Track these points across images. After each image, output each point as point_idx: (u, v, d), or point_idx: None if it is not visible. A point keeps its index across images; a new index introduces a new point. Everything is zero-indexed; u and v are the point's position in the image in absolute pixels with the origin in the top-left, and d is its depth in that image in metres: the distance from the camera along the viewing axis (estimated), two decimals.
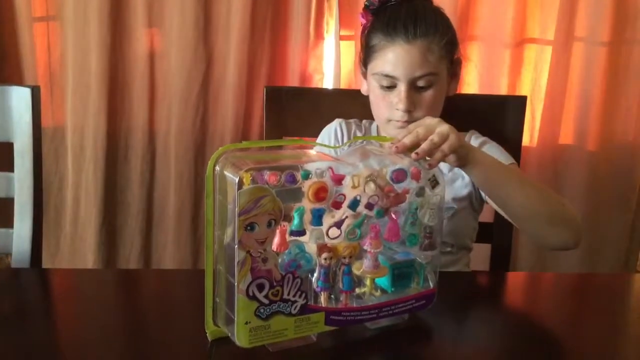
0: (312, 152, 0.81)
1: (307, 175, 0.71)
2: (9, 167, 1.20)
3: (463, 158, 0.94)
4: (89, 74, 1.75)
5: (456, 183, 1.23)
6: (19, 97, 1.19)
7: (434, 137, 0.87)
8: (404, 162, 0.80)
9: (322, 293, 0.74)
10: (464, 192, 1.23)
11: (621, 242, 1.95)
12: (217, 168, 0.71)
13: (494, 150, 1.22)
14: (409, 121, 1.15)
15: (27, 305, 0.94)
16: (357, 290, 0.78)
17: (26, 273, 1.14)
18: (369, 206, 0.75)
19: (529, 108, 1.78)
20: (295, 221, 0.70)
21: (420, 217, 0.80)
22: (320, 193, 0.71)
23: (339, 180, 0.73)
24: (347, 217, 0.75)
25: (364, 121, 1.33)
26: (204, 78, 1.79)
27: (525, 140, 1.68)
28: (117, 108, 1.80)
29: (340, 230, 0.74)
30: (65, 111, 1.81)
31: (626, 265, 1.97)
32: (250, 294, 0.68)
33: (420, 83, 1.14)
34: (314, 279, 0.73)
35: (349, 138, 1.28)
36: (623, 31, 1.80)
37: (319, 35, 1.80)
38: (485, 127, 1.30)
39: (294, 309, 0.71)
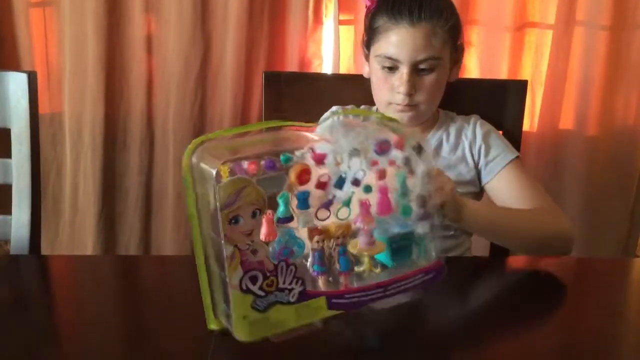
0: (290, 133, 0.78)
1: (287, 160, 0.68)
2: (7, 153, 1.19)
3: (456, 214, 0.96)
4: (86, 60, 1.74)
5: (460, 167, 1.23)
6: (16, 83, 1.18)
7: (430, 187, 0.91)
8: (386, 133, 0.77)
9: (319, 277, 0.73)
10: (468, 176, 1.23)
11: (621, 227, 1.95)
12: (194, 160, 0.69)
13: (497, 142, 1.24)
14: (410, 105, 1.17)
15: (26, 292, 0.94)
16: (356, 269, 0.76)
17: (25, 260, 1.14)
18: (356, 182, 0.73)
19: (529, 93, 1.77)
20: (281, 208, 0.68)
21: (411, 187, 0.78)
22: (303, 175, 0.69)
23: (320, 159, 0.70)
24: (334, 196, 0.73)
25: (362, 107, 1.32)
26: (201, 63, 1.77)
27: (525, 126, 1.67)
28: (114, 94, 1.79)
29: (329, 211, 0.72)
30: (63, 97, 1.79)
31: (626, 250, 1.97)
32: (244, 287, 0.67)
33: (423, 66, 1.15)
34: (309, 264, 0.72)
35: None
36: (624, 16, 1.79)
37: (318, 19, 1.79)
38: (486, 111, 1.30)
39: (292, 296, 0.70)
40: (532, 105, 1.85)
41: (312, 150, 0.70)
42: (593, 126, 1.86)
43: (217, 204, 0.64)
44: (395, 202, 0.77)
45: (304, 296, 0.71)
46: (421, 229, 0.80)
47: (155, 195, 1.87)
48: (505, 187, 1.21)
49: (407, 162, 0.77)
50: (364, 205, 0.74)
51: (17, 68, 1.74)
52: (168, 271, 1.06)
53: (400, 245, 0.79)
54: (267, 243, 0.68)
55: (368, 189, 0.74)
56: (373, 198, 0.75)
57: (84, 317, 0.86)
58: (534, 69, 1.84)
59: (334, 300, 0.73)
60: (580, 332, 0.86)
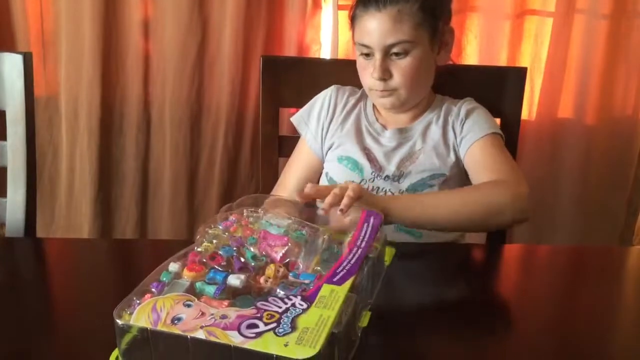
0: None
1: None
2: (2, 135, 1.19)
3: (374, 205, 0.95)
4: (83, 42, 1.73)
5: (446, 148, 1.23)
6: (11, 64, 1.18)
7: (336, 190, 0.91)
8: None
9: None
10: (454, 157, 1.22)
11: (617, 216, 1.95)
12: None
13: (477, 118, 1.23)
14: (386, 89, 1.19)
15: (21, 275, 0.93)
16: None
17: (20, 242, 1.14)
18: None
19: (529, 81, 1.76)
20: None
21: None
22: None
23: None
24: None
25: (362, 89, 1.32)
26: (199, 48, 1.76)
27: (524, 114, 1.67)
28: (111, 77, 1.78)
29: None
30: (59, 80, 1.78)
31: (622, 239, 1.97)
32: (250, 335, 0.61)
33: (395, 51, 1.16)
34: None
35: (337, 105, 1.30)
36: (624, 4, 1.78)
37: (317, 4, 1.77)
38: (485, 98, 1.29)
39: (300, 306, 0.65)
40: (531, 93, 1.84)
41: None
42: (592, 115, 1.86)
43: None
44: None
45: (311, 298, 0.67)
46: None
47: (151, 180, 1.86)
48: (474, 160, 1.20)
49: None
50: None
51: (12, 49, 1.72)
52: (165, 255, 1.05)
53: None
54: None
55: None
56: None
57: (79, 300, 0.85)
58: (534, 56, 1.83)
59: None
60: (574, 320, 0.86)
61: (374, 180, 1.21)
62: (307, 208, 0.92)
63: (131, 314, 0.63)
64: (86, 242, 1.34)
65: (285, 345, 0.58)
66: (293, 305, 0.64)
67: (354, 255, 0.73)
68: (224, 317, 0.62)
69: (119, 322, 0.62)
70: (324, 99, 1.31)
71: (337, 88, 1.32)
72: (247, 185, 1.85)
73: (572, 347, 0.79)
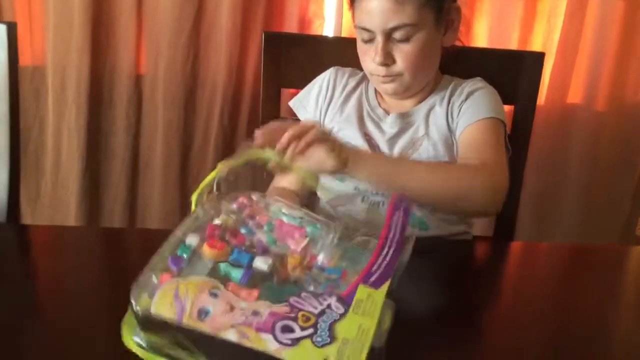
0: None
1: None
2: None
3: (339, 153, 0.88)
4: (71, 10, 1.63)
5: (449, 132, 1.16)
6: None
7: (297, 129, 0.84)
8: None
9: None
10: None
11: (623, 204, 1.91)
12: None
13: (480, 99, 1.14)
14: (389, 75, 1.11)
15: (4, 263, 0.87)
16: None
17: (2, 229, 1.07)
18: None
19: None
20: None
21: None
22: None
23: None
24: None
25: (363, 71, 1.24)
26: (195, 18, 1.67)
27: None
28: (101, 47, 1.69)
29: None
30: (46, 49, 1.68)
31: (627, 227, 1.94)
32: (286, 341, 0.55)
33: (397, 35, 1.08)
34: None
35: (336, 88, 1.23)
36: None
37: None
38: (498, 84, 1.21)
39: (337, 310, 0.59)
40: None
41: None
42: (602, 101, 1.80)
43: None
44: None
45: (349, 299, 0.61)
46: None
47: (142, 157, 1.78)
48: (462, 143, 1.12)
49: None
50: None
51: None
52: (155, 246, 0.99)
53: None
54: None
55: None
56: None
57: (65, 290, 0.80)
58: (545, 39, 1.76)
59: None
60: (574, 319, 0.83)
61: (372, 194, 1.14)
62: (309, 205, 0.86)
63: (150, 296, 0.56)
64: (73, 231, 1.26)
65: None
66: (329, 307, 0.58)
67: (387, 252, 0.66)
68: (255, 313, 0.56)
69: (139, 309, 0.55)
70: (322, 81, 1.24)
71: (336, 69, 1.25)
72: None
73: (576, 346, 0.75)
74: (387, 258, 0.65)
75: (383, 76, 1.11)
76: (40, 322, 0.72)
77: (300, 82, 1.27)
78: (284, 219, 0.72)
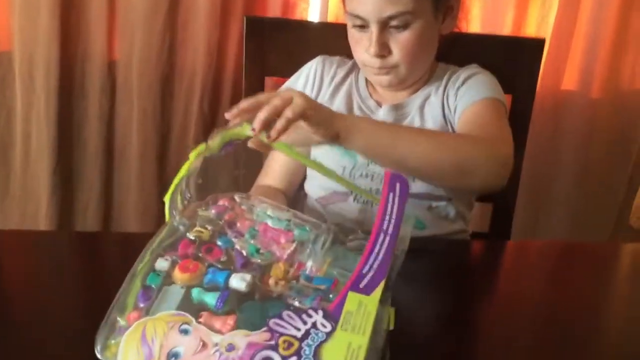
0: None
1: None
2: None
3: (327, 126, 0.79)
4: None
5: (446, 121, 1.09)
6: None
7: (275, 101, 0.73)
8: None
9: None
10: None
11: (617, 193, 1.87)
12: None
13: (477, 82, 1.07)
14: (384, 67, 1.02)
15: None
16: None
17: None
18: None
19: None
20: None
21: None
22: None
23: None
24: None
25: (353, 59, 1.16)
26: (171, 1, 1.57)
27: None
28: (71, 32, 1.58)
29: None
30: (12, 35, 1.58)
31: (620, 218, 1.89)
32: None
33: (394, 23, 1.00)
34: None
35: (324, 79, 1.14)
36: None
37: None
38: (496, 72, 1.14)
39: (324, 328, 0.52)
40: None
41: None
42: (597, 88, 1.74)
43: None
44: None
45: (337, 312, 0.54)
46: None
47: (117, 149, 1.69)
48: (461, 122, 1.04)
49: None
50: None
51: None
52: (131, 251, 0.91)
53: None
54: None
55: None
56: None
57: (37, 302, 0.74)
58: (540, 23, 1.69)
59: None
60: (563, 315, 0.81)
61: (368, 165, 1.06)
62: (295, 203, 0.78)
63: (117, 343, 0.50)
64: (44, 235, 1.18)
65: None
66: (314, 326, 0.51)
67: (381, 247, 0.57)
68: (230, 348, 0.49)
69: (104, 359, 0.50)
70: (308, 71, 1.16)
71: (323, 59, 1.16)
72: None
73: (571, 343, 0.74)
74: (381, 254, 0.57)
75: (378, 68, 1.03)
76: (10, 331, 0.67)
77: (285, 69, 1.19)
78: (269, 222, 0.65)
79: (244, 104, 0.74)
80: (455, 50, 1.13)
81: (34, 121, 1.64)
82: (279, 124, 0.72)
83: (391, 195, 0.60)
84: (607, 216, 1.88)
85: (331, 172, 0.74)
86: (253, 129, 0.70)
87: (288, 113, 0.72)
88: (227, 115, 0.74)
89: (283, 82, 1.19)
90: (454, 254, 0.99)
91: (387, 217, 0.59)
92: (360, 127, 0.83)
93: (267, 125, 0.71)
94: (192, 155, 0.67)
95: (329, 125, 0.79)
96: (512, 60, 1.20)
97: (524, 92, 1.20)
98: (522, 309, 0.82)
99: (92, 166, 1.69)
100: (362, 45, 1.03)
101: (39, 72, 1.59)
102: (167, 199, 0.65)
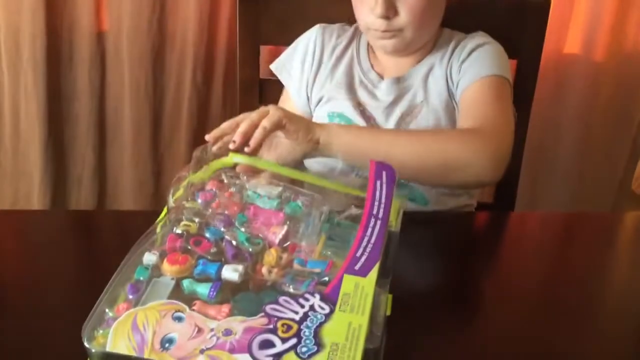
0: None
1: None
2: None
3: (306, 134, 0.82)
4: None
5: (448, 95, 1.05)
6: None
7: (252, 115, 0.78)
8: None
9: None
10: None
11: (619, 159, 1.83)
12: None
13: (483, 56, 1.03)
14: (389, 30, 0.98)
15: None
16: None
17: None
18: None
19: None
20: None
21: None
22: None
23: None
24: None
25: (354, 26, 1.11)
26: None
27: None
28: (57, 2, 1.53)
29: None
30: None
31: (622, 183, 1.86)
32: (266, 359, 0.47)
33: None
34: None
35: (324, 50, 1.09)
36: None
37: None
38: (500, 37, 1.09)
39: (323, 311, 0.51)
40: None
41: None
42: (601, 51, 1.69)
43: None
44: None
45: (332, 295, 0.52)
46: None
47: (109, 122, 1.65)
48: (462, 105, 1.01)
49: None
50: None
51: None
52: (127, 229, 0.89)
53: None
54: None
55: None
56: None
57: (32, 277, 0.74)
58: None
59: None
60: (565, 287, 0.79)
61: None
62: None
63: (105, 334, 0.47)
64: (38, 215, 1.15)
65: None
66: (312, 308, 0.50)
67: (372, 230, 0.57)
68: (227, 332, 0.47)
69: (92, 349, 0.47)
70: (307, 42, 1.10)
71: (322, 28, 1.11)
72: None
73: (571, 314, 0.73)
74: (373, 238, 0.57)
75: (382, 31, 0.98)
76: (4, 312, 0.66)
77: (281, 38, 1.15)
78: (259, 203, 0.63)
79: (225, 124, 0.78)
80: (460, 14, 1.08)
81: (22, 95, 1.60)
82: (257, 133, 0.75)
83: (378, 182, 0.63)
84: (610, 182, 1.85)
85: (322, 180, 0.74)
86: (234, 141, 0.74)
87: (264, 123, 0.76)
88: (208, 138, 0.77)
89: (279, 51, 1.14)
90: (457, 226, 0.96)
91: (377, 203, 0.60)
92: (339, 134, 0.85)
93: (247, 138, 0.75)
94: (179, 191, 0.65)
95: (307, 133, 0.81)
96: (516, 24, 1.15)
97: (529, 56, 1.16)
98: (525, 283, 0.80)
99: (85, 140, 1.65)
100: (367, 6, 0.97)
101: (24, 44, 1.55)
102: (159, 223, 0.63)
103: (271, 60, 1.15)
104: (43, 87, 1.57)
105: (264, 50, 1.22)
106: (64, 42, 1.57)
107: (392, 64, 1.07)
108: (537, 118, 1.67)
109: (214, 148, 0.75)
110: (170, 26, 1.59)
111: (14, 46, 1.55)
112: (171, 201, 0.64)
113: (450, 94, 1.03)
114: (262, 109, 0.79)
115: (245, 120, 0.77)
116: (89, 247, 0.85)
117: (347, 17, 1.09)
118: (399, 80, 1.05)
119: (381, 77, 1.06)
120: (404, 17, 0.97)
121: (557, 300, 0.75)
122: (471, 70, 1.01)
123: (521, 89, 1.16)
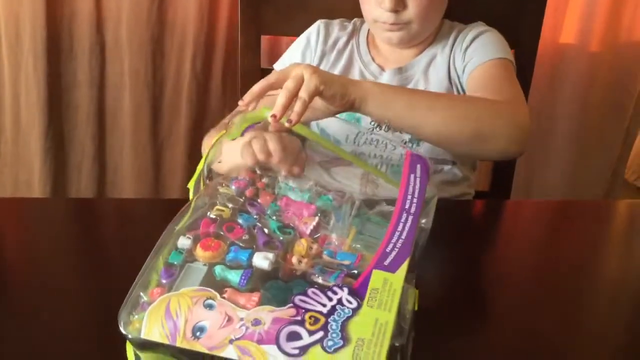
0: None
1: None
2: None
3: (342, 96, 0.78)
4: None
5: (449, 83, 1.06)
6: None
7: (288, 84, 0.73)
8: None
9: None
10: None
11: (613, 148, 1.86)
12: None
13: (486, 41, 1.04)
14: (397, 23, 0.99)
15: None
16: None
17: None
18: None
19: None
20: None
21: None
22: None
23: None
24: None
25: (354, 20, 1.13)
26: None
27: None
28: None
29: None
30: None
31: (616, 171, 1.89)
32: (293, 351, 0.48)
33: None
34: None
35: (326, 45, 1.10)
36: None
37: None
38: (499, 26, 1.11)
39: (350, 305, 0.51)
40: None
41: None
42: (596, 41, 1.71)
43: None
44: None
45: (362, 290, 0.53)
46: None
47: (109, 111, 1.66)
48: (472, 83, 1.01)
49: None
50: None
51: None
52: (126, 216, 0.91)
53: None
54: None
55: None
56: None
57: (34, 265, 0.74)
58: None
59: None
60: (559, 273, 0.80)
61: (372, 131, 1.03)
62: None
63: (140, 318, 0.48)
64: (38, 203, 1.16)
65: None
66: (340, 302, 0.50)
67: (404, 225, 0.57)
68: (256, 322, 0.48)
69: (128, 335, 0.48)
70: (308, 38, 1.12)
71: (324, 24, 1.12)
72: (220, 119, 1.67)
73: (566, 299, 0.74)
74: (404, 233, 0.56)
75: (390, 24, 0.99)
76: (7, 299, 0.66)
77: (283, 27, 1.16)
78: (291, 195, 0.63)
79: (256, 88, 0.75)
80: (459, 5, 1.09)
81: (23, 84, 1.60)
82: (297, 107, 0.71)
83: (412, 176, 0.62)
84: (603, 170, 1.87)
85: (341, 150, 0.75)
86: (274, 116, 0.70)
87: (303, 95, 0.72)
88: (241, 104, 0.74)
89: (278, 41, 1.15)
90: (454, 213, 0.95)
91: (410, 197, 0.59)
92: (375, 94, 0.81)
93: (286, 110, 0.72)
94: (214, 141, 0.66)
95: (343, 95, 0.78)
96: (514, 14, 1.16)
97: (527, 46, 1.18)
98: (520, 269, 0.81)
99: (84, 129, 1.66)
100: (374, 0, 0.99)
101: (25, 33, 1.55)
102: (191, 185, 0.64)
103: (271, 50, 1.16)
104: (43, 77, 1.58)
105: (264, 40, 1.23)
106: (64, 32, 1.58)
107: (394, 56, 1.08)
108: (533, 107, 1.70)
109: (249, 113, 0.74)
110: (170, 16, 1.59)
111: (15, 36, 1.55)
112: (211, 155, 0.65)
113: (452, 83, 1.05)
114: (295, 72, 0.74)
115: (283, 92, 0.72)
116: (89, 235, 0.85)
117: (345, 9, 1.10)
118: (400, 71, 1.06)
119: (382, 68, 1.08)
120: (412, 10, 0.98)
121: (550, 286, 0.76)
122: (477, 54, 1.02)
123: (519, 79, 1.17)
